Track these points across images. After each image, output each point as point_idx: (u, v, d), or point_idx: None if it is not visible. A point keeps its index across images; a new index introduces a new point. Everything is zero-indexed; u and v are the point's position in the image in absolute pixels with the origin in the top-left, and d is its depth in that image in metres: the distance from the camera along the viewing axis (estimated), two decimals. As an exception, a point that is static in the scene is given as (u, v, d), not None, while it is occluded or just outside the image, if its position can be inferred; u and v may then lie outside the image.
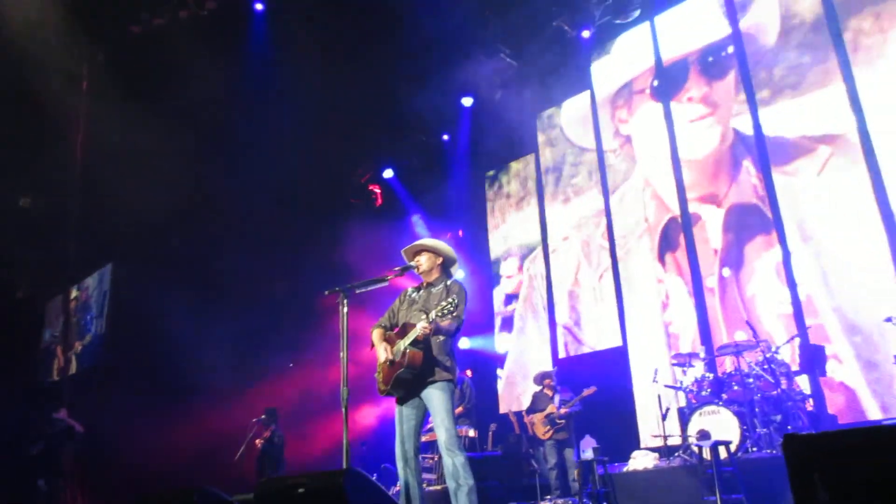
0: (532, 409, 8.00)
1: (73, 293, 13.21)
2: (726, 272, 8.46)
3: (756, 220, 8.34)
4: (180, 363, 10.16)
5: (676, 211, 9.18)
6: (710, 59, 9.19)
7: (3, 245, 11.40)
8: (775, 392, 6.42)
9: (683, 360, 7.36)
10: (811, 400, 6.74)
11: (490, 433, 9.33)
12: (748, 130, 8.59)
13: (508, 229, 11.53)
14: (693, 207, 9.03)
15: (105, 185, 10.10)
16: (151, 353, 10.38)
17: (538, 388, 8.17)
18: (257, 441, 9.17)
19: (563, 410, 7.61)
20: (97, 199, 10.44)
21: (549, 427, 7.69)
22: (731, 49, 8.95)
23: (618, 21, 9.97)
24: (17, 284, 12.87)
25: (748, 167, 8.54)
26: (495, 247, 11.63)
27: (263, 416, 9.30)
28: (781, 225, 8.01)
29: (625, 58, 10.22)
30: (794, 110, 8.22)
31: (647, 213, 9.55)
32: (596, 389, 7.66)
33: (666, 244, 9.25)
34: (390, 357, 4.34)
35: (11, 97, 9.82)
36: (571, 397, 7.79)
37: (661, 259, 9.26)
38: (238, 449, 9.00)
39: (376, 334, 4.56)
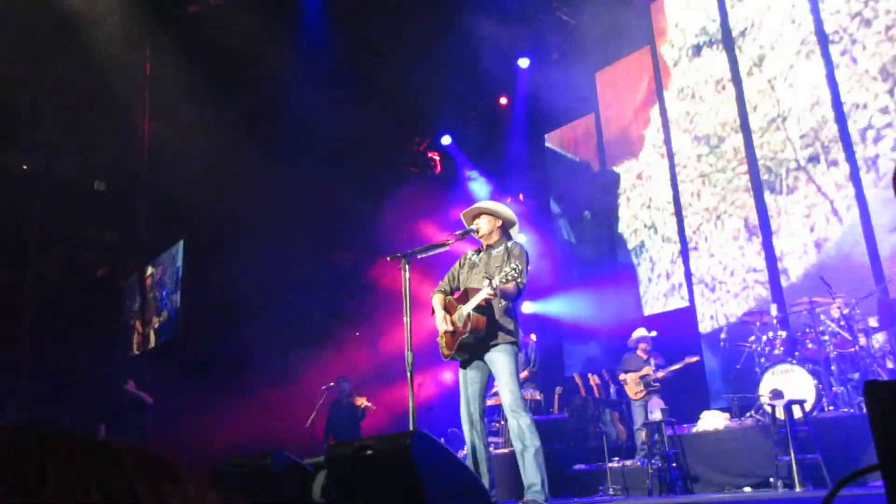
0: (624, 369, 8.02)
1: (149, 270, 13.72)
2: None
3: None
4: (249, 335, 10.48)
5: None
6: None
7: (82, 226, 11.94)
8: (852, 349, 6.18)
9: (755, 318, 7.15)
10: (891, 357, 6.46)
11: (556, 396, 9.32)
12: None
13: (572, 190, 11.37)
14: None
15: (173, 163, 10.41)
16: (223, 327, 10.73)
17: (631, 350, 8.16)
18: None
19: (660, 374, 7.62)
20: (167, 178, 10.77)
21: (642, 388, 7.70)
22: None
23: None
24: (97, 264, 13.48)
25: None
26: (558, 209, 11.51)
27: (333, 384, 9.57)
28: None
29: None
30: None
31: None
32: (699, 359, 7.64)
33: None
34: (450, 329, 4.36)
35: (80, 86, 10.19)
36: (663, 362, 7.77)
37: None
38: (308, 416, 9.26)
39: (437, 300, 4.58)
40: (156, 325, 13.21)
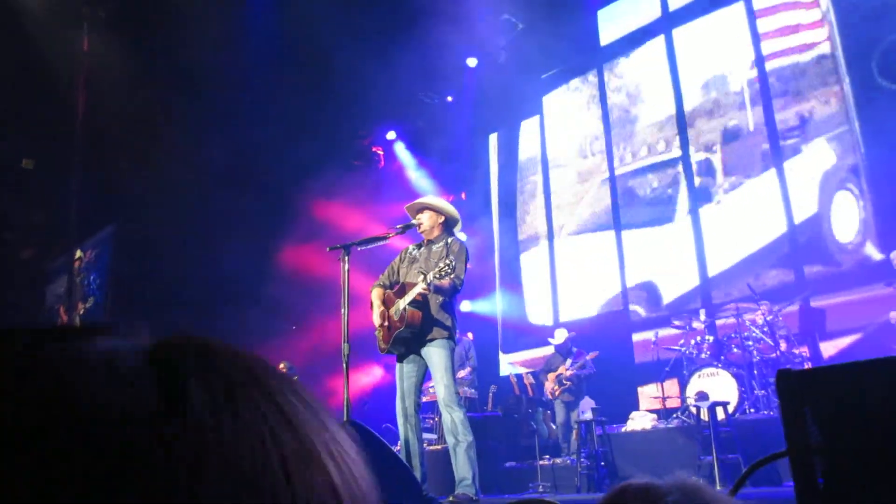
0: (546, 370, 8.19)
1: (77, 254, 13.24)
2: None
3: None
4: (185, 324, 10.22)
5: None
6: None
7: (7, 206, 11.40)
8: (774, 354, 6.46)
9: (683, 323, 7.39)
10: (809, 362, 6.77)
11: (490, 394, 9.42)
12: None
13: (514, 190, 11.51)
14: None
15: (107, 145, 10.06)
16: (155, 316, 10.43)
17: (552, 351, 8.32)
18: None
19: (569, 372, 7.76)
20: (100, 161, 10.40)
21: (556, 386, 7.85)
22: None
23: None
24: (22, 245, 12.91)
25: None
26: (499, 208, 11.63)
27: (282, 368, 9.47)
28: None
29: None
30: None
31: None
32: (598, 353, 7.82)
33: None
34: (386, 323, 4.40)
35: (12, 58, 9.73)
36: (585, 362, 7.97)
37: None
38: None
39: (375, 293, 4.59)
40: (81, 312, 12.75)
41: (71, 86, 10.44)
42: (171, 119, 9.67)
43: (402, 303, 4.31)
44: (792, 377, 0.92)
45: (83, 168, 11.07)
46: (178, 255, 10.21)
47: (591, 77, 10.51)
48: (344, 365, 4.00)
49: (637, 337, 9.06)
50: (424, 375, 4.48)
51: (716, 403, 5.82)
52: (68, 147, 10.94)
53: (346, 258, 4.22)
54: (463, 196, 11.87)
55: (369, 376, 10.77)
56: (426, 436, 8.03)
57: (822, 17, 7.95)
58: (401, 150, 12.31)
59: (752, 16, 8.64)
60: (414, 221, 4.59)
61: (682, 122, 9.21)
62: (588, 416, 6.81)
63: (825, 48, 7.89)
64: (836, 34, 7.79)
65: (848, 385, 0.89)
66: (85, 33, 10.27)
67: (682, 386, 6.86)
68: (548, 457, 7.47)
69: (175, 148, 9.85)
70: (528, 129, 11.45)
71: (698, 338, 7.14)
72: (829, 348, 7.21)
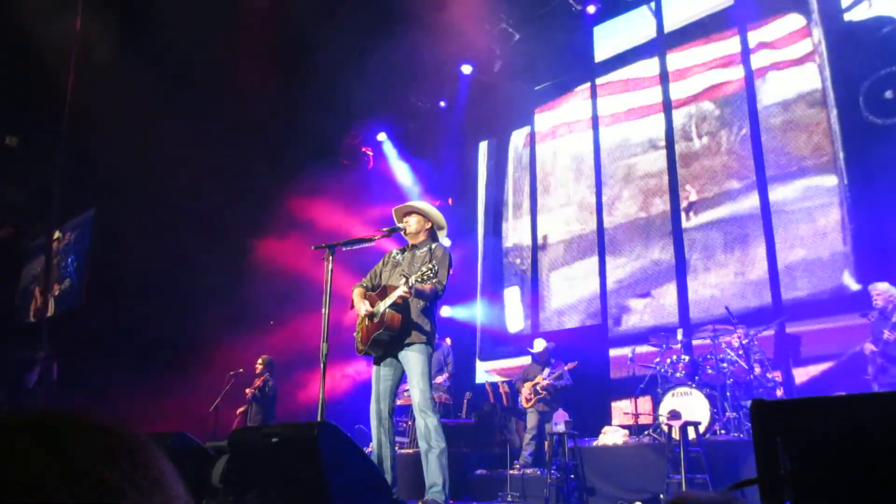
0: (523, 378, 8.22)
1: (56, 235, 13.09)
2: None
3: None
4: (161, 313, 10.13)
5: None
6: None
7: (-12, 183, 11.25)
8: (748, 378, 6.52)
9: (660, 341, 7.45)
10: (782, 387, 6.85)
11: (465, 401, 9.43)
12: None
13: (502, 198, 11.54)
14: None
15: (94, 128, 9.95)
16: (127, 302, 10.34)
17: (530, 360, 8.35)
18: (248, 389, 9.25)
19: (545, 382, 7.79)
20: (85, 142, 10.28)
21: (531, 395, 7.87)
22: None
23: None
24: (1, 224, 12.74)
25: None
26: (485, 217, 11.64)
27: (259, 364, 9.39)
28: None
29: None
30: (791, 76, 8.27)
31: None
32: (577, 364, 7.86)
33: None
34: (370, 311, 4.36)
35: (1, 33, 9.62)
36: (563, 373, 7.99)
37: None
38: (214, 400, 9.04)
39: (357, 294, 4.58)
40: (56, 293, 12.61)
41: (60, 64, 10.32)
42: (159, 106, 9.59)
43: (383, 305, 4.30)
44: (766, 407, 0.95)
45: (67, 148, 10.92)
46: (158, 243, 10.12)
47: (584, 92, 10.57)
48: (321, 364, 3.98)
49: (614, 352, 9.11)
50: (401, 379, 4.48)
51: (687, 423, 5.87)
52: (54, 126, 10.80)
53: (331, 258, 4.22)
54: (450, 201, 11.89)
55: (345, 376, 10.73)
56: (398, 439, 8.03)
57: (814, 50, 8.07)
58: (390, 151, 12.30)
59: (745, 43, 8.76)
60: (400, 225, 4.59)
61: (670, 140, 9.29)
62: (561, 428, 6.83)
63: (815, 80, 8.01)
64: (827, 66, 7.91)
65: (819, 418, 0.91)
66: (79, 12, 10.17)
67: (656, 403, 6.91)
68: (518, 466, 7.48)
69: (162, 136, 9.77)
70: (519, 140, 11.49)
71: (674, 357, 7.20)
72: (802, 375, 7.31)
